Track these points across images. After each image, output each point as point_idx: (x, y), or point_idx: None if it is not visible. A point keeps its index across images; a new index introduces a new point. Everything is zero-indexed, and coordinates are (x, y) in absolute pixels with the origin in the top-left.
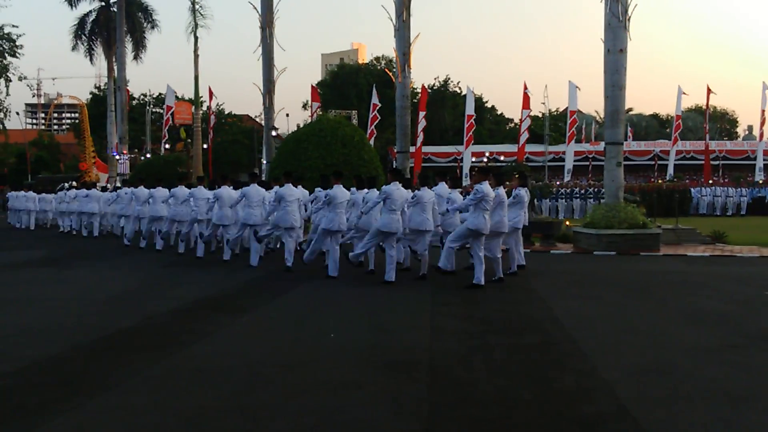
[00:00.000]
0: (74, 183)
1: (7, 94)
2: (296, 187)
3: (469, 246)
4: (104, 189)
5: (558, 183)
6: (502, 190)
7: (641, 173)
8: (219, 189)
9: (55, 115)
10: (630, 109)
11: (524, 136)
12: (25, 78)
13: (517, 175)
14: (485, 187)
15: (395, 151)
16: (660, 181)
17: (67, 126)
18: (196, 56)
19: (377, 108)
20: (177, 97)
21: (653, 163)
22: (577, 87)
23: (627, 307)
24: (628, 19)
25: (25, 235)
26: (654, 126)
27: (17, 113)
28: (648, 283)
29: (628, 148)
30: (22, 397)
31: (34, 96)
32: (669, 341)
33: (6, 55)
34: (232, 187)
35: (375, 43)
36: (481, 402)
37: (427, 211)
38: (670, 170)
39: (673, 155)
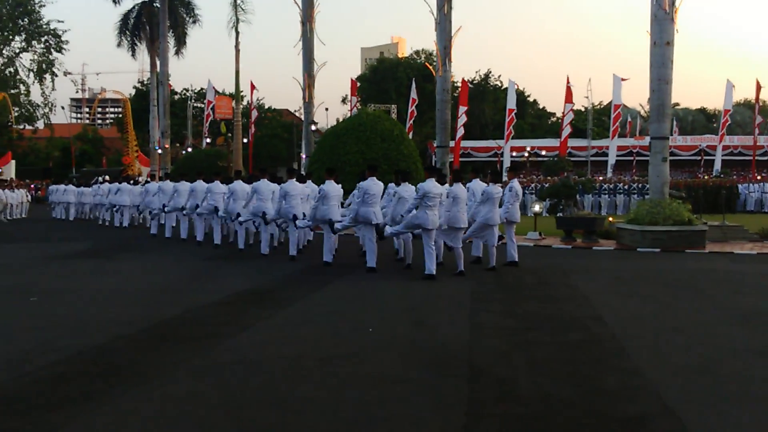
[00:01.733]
0: (107, 177)
1: (53, 89)
2: (304, 183)
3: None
4: (136, 183)
5: (601, 178)
6: (460, 187)
7: (687, 169)
8: (233, 183)
9: (99, 109)
10: (676, 104)
11: (566, 131)
12: (70, 73)
13: (489, 172)
14: (428, 184)
15: (434, 145)
16: (706, 177)
17: (111, 120)
18: (237, 51)
19: (416, 103)
20: (218, 92)
21: (699, 158)
22: (621, 80)
23: (672, 305)
24: (676, 11)
25: (67, 226)
26: (701, 120)
27: (62, 108)
28: (694, 281)
29: (673, 143)
30: (68, 386)
31: (78, 91)
32: (715, 341)
33: (52, 50)
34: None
35: (415, 37)
36: (521, 400)
37: (461, 208)
38: (717, 166)
39: (720, 150)
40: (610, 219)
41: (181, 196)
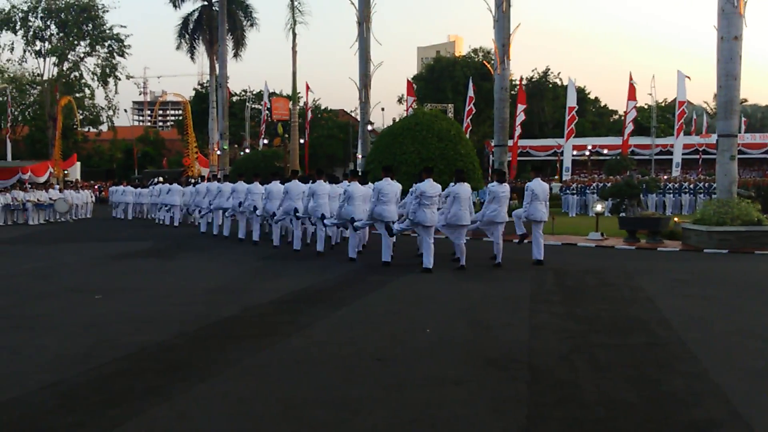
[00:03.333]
0: (161, 178)
1: (116, 92)
2: (331, 184)
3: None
4: (189, 183)
5: (665, 177)
6: (462, 187)
7: (756, 167)
8: (270, 184)
9: (160, 112)
10: (744, 100)
11: (629, 128)
12: (132, 77)
13: (494, 172)
14: (424, 185)
15: (492, 144)
16: None
17: (172, 122)
18: (294, 52)
19: (473, 101)
20: (275, 94)
21: None
22: (686, 77)
23: (740, 308)
24: (744, 5)
25: (127, 226)
26: None
27: (125, 110)
28: (763, 283)
29: (742, 141)
30: (130, 382)
31: (140, 94)
32: None
33: (115, 54)
34: (328, 182)
35: (472, 35)
36: (583, 403)
37: (464, 206)
38: None
39: None
40: (676, 219)
41: (224, 196)
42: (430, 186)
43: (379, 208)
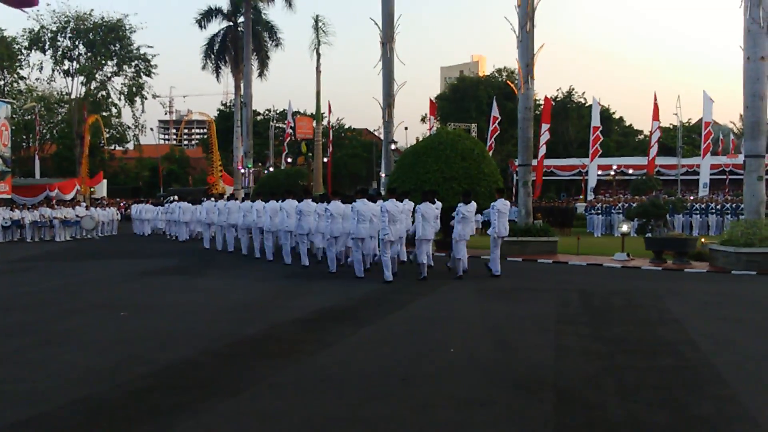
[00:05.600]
0: (176, 197)
1: (143, 111)
2: (319, 203)
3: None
4: (200, 202)
5: (692, 197)
6: (428, 206)
7: None
8: (268, 203)
9: (186, 130)
10: None
11: (654, 148)
12: (158, 96)
13: (462, 192)
14: (387, 204)
15: (516, 164)
16: None
17: (197, 141)
18: (318, 72)
19: (497, 120)
20: (298, 113)
21: None
22: (711, 100)
23: None
24: None
25: (148, 242)
26: None
27: (151, 129)
28: None
29: None
30: (158, 398)
31: (166, 113)
32: None
33: (142, 74)
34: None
35: (496, 55)
36: (610, 426)
37: (429, 222)
38: None
39: None
40: (703, 240)
41: (233, 213)
42: (392, 205)
43: (358, 227)
